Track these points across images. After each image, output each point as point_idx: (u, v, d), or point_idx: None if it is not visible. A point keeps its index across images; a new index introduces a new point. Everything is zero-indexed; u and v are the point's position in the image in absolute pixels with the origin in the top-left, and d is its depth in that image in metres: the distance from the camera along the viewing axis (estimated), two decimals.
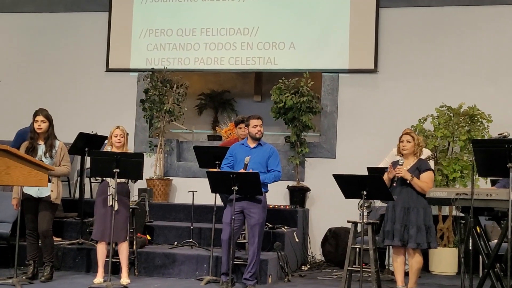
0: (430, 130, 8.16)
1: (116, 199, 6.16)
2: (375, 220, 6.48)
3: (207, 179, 6.07)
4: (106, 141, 6.88)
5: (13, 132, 7.70)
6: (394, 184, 5.86)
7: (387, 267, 7.43)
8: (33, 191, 6.22)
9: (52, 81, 9.93)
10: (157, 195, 8.77)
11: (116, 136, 6.37)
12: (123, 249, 6.35)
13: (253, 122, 6.16)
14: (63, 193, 6.68)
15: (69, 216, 8.05)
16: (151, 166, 9.03)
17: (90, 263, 7.01)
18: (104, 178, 6.35)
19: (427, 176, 5.81)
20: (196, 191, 7.48)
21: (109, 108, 9.63)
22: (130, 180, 6.49)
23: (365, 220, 6.08)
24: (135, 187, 8.84)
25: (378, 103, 8.93)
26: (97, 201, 6.38)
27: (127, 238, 6.40)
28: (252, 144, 6.22)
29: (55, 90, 9.86)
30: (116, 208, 6.17)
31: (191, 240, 7.39)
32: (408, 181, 5.78)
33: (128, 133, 8.84)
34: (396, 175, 5.80)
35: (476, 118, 8.05)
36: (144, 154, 6.91)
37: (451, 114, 8.13)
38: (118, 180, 6.21)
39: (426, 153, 6.54)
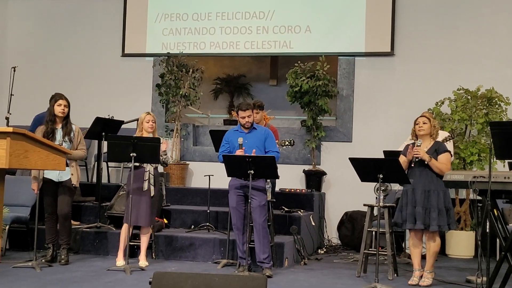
0: (447, 113, 8.10)
1: (153, 184, 6.31)
2: (391, 204, 6.47)
3: (223, 163, 6.08)
4: (135, 127, 6.85)
5: (30, 118, 7.78)
6: (412, 165, 5.82)
7: (404, 251, 7.43)
8: (54, 175, 6.28)
9: (68, 67, 9.98)
10: (173, 179, 8.82)
11: (148, 122, 6.47)
12: (147, 233, 6.47)
13: (241, 113, 6.21)
14: (80, 178, 6.74)
15: (87, 200, 8.13)
16: (167, 151, 9.06)
17: (108, 246, 7.08)
18: (143, 165, 6.37)
19: (445, 158, 5.79)
20: (213, 175, 7.51)
21: (126, 92, 9.67)
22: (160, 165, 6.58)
23: (381, 204, 6.07)
24: None
25: (395, 87, 8.87)
26: (133, 186, 6.29)
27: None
28: (246, 129, 6.26)
29: (72, 75, 9.91)
30: (153, 193, 6.33)
31: (207, 223, 7.43)
32: (426, 162, 5.75)
33: None
34: (415, 155, 5.77)
35: (494, 101, 7.97)
36: (161, 138, 6.93)
37: (469, 97, 8.05)
38: (154, 166, 6.36)
39: (442, 135, 6.50)
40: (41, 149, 3.64)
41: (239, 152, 6.04)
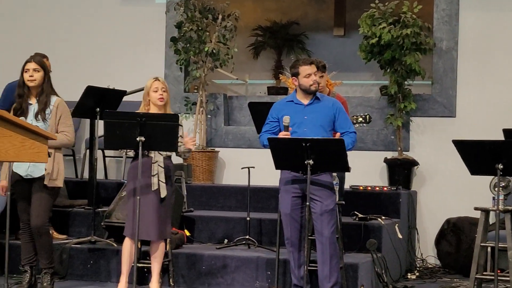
0: None
1: (163, 181, 6.34)
2: None
3: (268, 150, 6.10)
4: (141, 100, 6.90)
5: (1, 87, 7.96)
6: None
7: None
8: (22, 170, 6.32)
9: (50, 19, 10.05)
10: (197, 174, 8.90)
11: (156, 91, 6.43)
12: (160, 250, 6.51)
13: (305, 69, 6.05)
14: (66, 173, 6.81)
15: (76, 205, 8.25)
16: (189, 133, 9.14)
17: (108, 269, 7.20)
18: (150, 153, 6.41)
19: None
20: (253, 167, 7.54)
21: (128, 52, 9.74)
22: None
23: (501, 207, 6.01)
24: None
25: None
26: (137, 184, 6.39)
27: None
28: (305, 100, 6.17)
29: (55, 30, 10.00)
30: (164, 194, 6.35)
31: (247, 236, 7.48)
32: None
33: None
34: None
35: None
36: (179, 115, 6.98)
37: None
38: (164, 154, 6.37)
39: None
40: (13, 132, 3.66)
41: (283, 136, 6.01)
